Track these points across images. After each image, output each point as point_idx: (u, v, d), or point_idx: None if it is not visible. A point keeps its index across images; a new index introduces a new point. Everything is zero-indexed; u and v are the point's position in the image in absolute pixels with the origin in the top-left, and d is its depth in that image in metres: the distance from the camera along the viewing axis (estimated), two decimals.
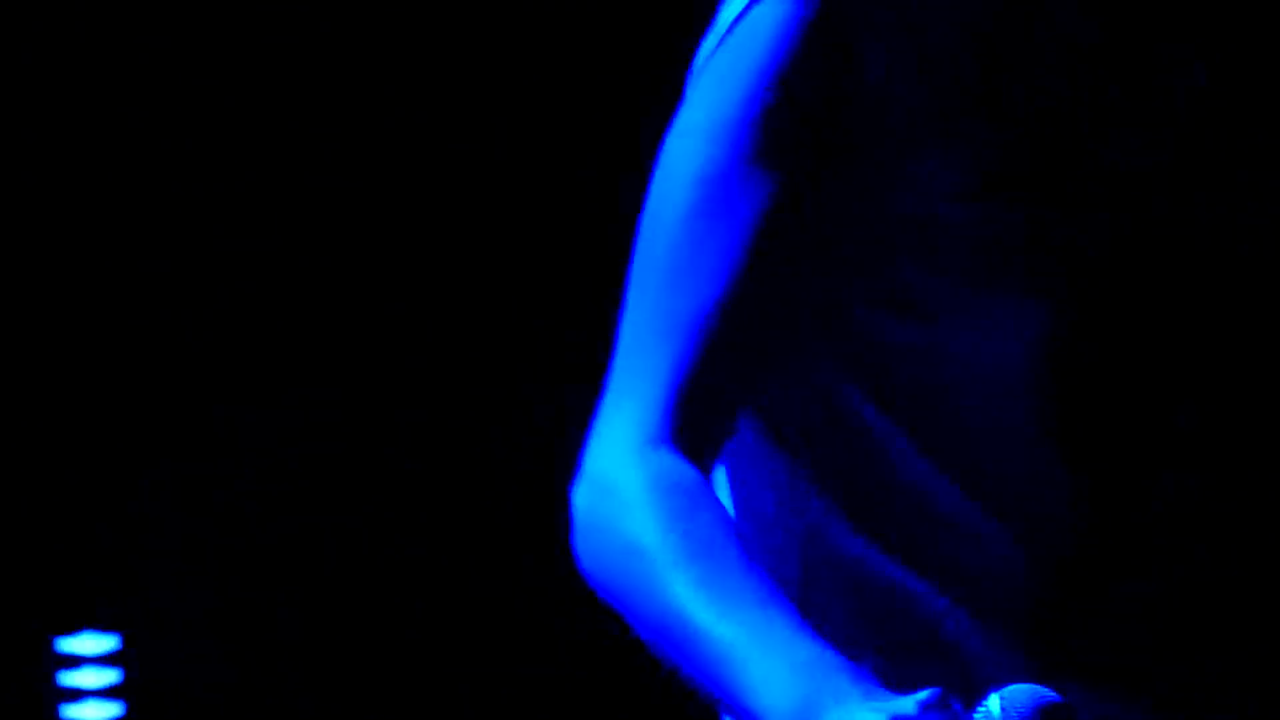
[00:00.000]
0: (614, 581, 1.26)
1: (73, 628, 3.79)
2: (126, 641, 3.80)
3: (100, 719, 3.78)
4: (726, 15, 1.32)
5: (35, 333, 3.81)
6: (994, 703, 1.23)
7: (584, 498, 1.27)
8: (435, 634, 3.96)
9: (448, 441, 3.94)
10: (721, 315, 1.27)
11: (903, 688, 1.14)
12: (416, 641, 3.96)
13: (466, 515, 3.94)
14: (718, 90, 1.30)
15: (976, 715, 1.23)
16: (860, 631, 1.31)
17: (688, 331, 1.27)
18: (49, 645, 3.79)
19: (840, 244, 1.30)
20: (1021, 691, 1.22)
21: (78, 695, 3.78)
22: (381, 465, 3.91)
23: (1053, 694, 1.20)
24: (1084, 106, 1.32)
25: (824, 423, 1.32)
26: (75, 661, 3.79)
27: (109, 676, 3.79)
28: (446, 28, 3.88)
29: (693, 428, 1.26)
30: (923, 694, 1.15)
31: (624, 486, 1.24)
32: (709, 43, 1.33)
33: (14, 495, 3.77)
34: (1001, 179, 1.29)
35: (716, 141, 1.29)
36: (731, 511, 1.33)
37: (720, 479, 1.35)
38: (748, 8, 1.30)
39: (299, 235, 3.86)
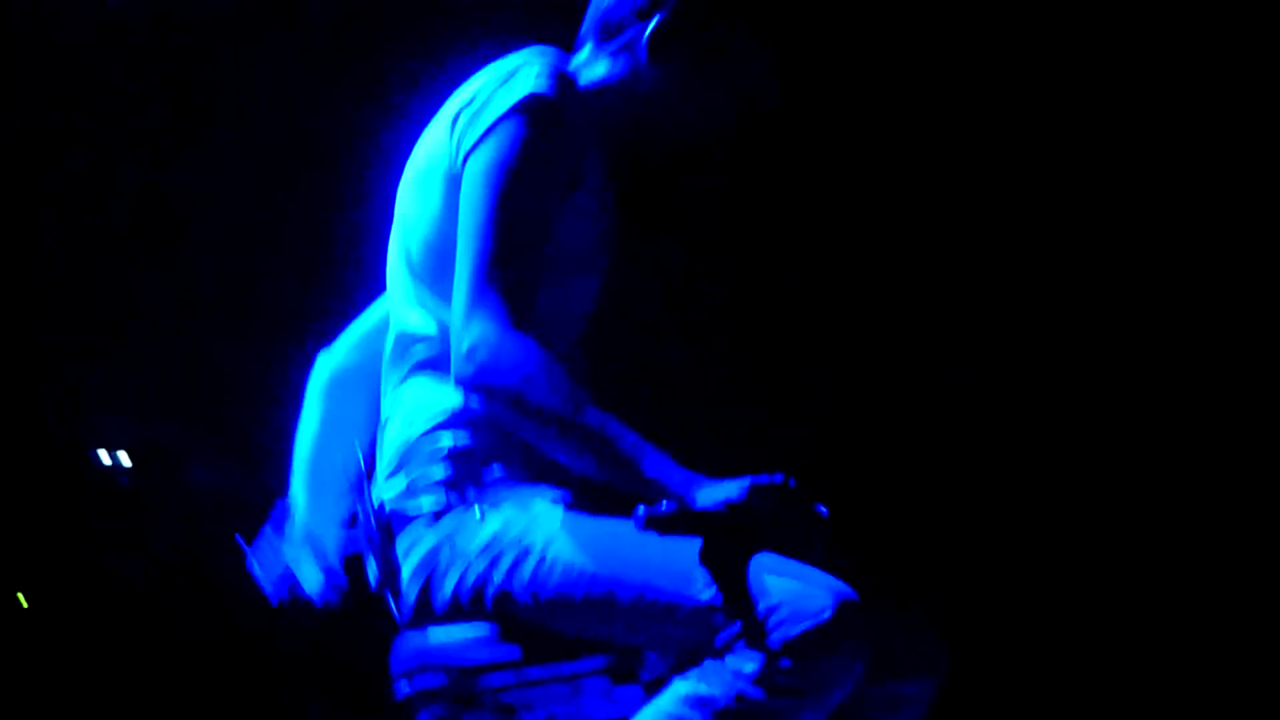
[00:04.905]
0: (527, 399, 2.55)
1: None
2: None
3: None
4: (496, 109, 2.70)
5: None
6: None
7: (492, 348, 2.57)
8: None
9: None
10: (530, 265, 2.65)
11: None
12: None
13: None
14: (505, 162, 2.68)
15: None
16: None
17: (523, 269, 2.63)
18: None
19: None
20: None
21: None
22: None
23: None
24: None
25: None
26: None
27: None
28: None
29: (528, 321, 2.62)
30: (773, 476, 2.48)
31: (525, 345, 2.57)
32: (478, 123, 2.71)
33: None
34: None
35: (513, 190, 2.66)
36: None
37: None
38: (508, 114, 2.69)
39: None
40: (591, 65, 2.82)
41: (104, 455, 4.88)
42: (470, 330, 2.58)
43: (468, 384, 2.58)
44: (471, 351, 2.57)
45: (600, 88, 2.81)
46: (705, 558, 2.46)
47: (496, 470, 2.66)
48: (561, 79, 2.70)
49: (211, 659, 4.70)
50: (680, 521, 2.47)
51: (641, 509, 2.47)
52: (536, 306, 2.63)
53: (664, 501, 2.48)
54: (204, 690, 4.70)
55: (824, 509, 2.51)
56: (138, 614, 4.75)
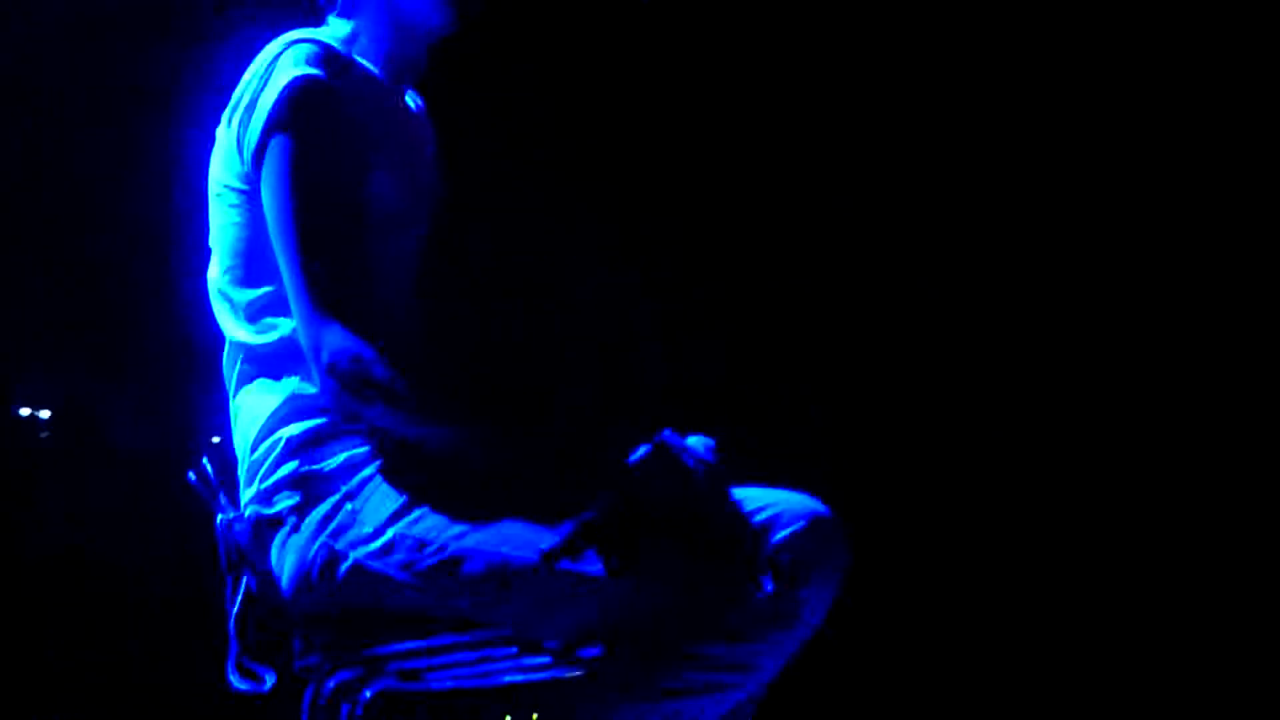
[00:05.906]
0: (399, 397, 2.57)
1: None
2: None
3: None
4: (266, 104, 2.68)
5: None
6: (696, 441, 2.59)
7: (350, 357, 2.59)
8: None
9: None
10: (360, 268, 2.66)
11: None
12: None
13: None
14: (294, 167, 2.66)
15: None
16: None
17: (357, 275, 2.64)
18: None
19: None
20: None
21: None
22: None
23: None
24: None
25: None
26: None
27: None
28: None
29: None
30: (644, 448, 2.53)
31: (378, 349, 2.59)
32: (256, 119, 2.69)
33: None
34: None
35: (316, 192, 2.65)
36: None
37: None
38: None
39: None
40: (338, 24, 2.84)
41: (25, 412, 4.86)
42: (324, 344, 2.60)
43: (339, 398, 2.60)
44: (332, 364, 2.60)
45: (355, 36, 2.83)
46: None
47: (345, 451, 2.69)
48: (320, 50, 2.69)
49: (127, 614, 4.72)
50: (580, 541, 2.53)
51: (546, 546, 2.52)
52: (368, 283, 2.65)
53: (555, 533, 2.53)
54: (119, 644, 4.72)
55: (707, 452, 2.59)
56: (59, 571, 4.75)
